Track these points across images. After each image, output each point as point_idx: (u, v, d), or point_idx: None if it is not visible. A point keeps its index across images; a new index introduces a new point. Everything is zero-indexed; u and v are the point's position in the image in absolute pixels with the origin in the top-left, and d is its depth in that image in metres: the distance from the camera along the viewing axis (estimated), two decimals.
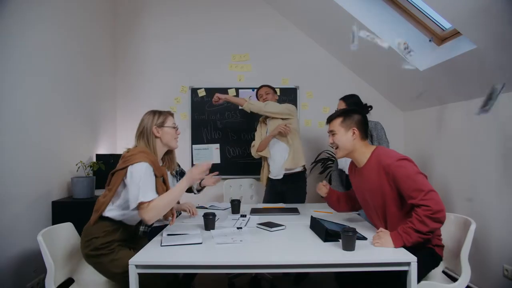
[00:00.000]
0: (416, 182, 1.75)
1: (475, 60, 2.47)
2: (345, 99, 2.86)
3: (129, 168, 1.82)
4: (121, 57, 4.10)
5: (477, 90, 2.69)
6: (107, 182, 1.94)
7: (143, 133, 1.98)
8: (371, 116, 2.83)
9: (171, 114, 2.08)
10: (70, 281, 1.96)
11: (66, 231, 2.06)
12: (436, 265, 1.92)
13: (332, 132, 2.00)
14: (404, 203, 1.83)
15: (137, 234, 2.15)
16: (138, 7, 4.15)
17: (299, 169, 3.14)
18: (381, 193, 1.88)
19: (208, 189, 4.10)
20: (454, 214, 2.10)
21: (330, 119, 2.03)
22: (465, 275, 1.79)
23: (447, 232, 2.04)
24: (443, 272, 2.05)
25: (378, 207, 1.94)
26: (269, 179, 3.26)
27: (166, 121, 2.02)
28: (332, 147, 2.05)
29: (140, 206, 1.76)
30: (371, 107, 2.88)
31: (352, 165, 2.12)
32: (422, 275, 1.80)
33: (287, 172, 3.11)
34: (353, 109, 2.03)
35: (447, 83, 2.92)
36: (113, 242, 1.88)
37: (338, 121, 1.98)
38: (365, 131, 1.97)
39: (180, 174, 2.75)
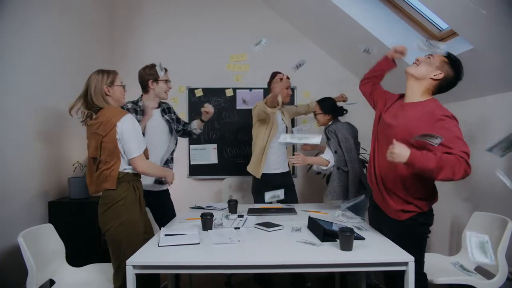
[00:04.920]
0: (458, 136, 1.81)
1: (472, 61, 2.48)
2: (320, 101, 2.94)
3: (118, 124, 1.98)
4: (119, 57, 4.08)
5: (475, 90, 2.70)
6: (96, 154, 2.11)
7: (96, 94, 2.03)
8: (344, 118, 2.93)
9: (117, 73, 2.16)
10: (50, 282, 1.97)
11: (47, 232, 2.06)
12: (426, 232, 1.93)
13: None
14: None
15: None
16: (135, 8, 4.14)
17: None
18: (409, 133, 1.83)
19: (207, 189, 4.11)
20: (486, 212, 2.17)
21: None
22: (502, 272, 1.86)
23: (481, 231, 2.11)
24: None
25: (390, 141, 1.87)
26: (264, 174, 3.01)
27: (115, 80, 2.10)
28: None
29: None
30: (346, 110, 2.93)
31: (393, 97, 2.20)
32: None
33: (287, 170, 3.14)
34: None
35: None
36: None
37: (442, 58, 1.99)
38: (444, 87, 1.98)
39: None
